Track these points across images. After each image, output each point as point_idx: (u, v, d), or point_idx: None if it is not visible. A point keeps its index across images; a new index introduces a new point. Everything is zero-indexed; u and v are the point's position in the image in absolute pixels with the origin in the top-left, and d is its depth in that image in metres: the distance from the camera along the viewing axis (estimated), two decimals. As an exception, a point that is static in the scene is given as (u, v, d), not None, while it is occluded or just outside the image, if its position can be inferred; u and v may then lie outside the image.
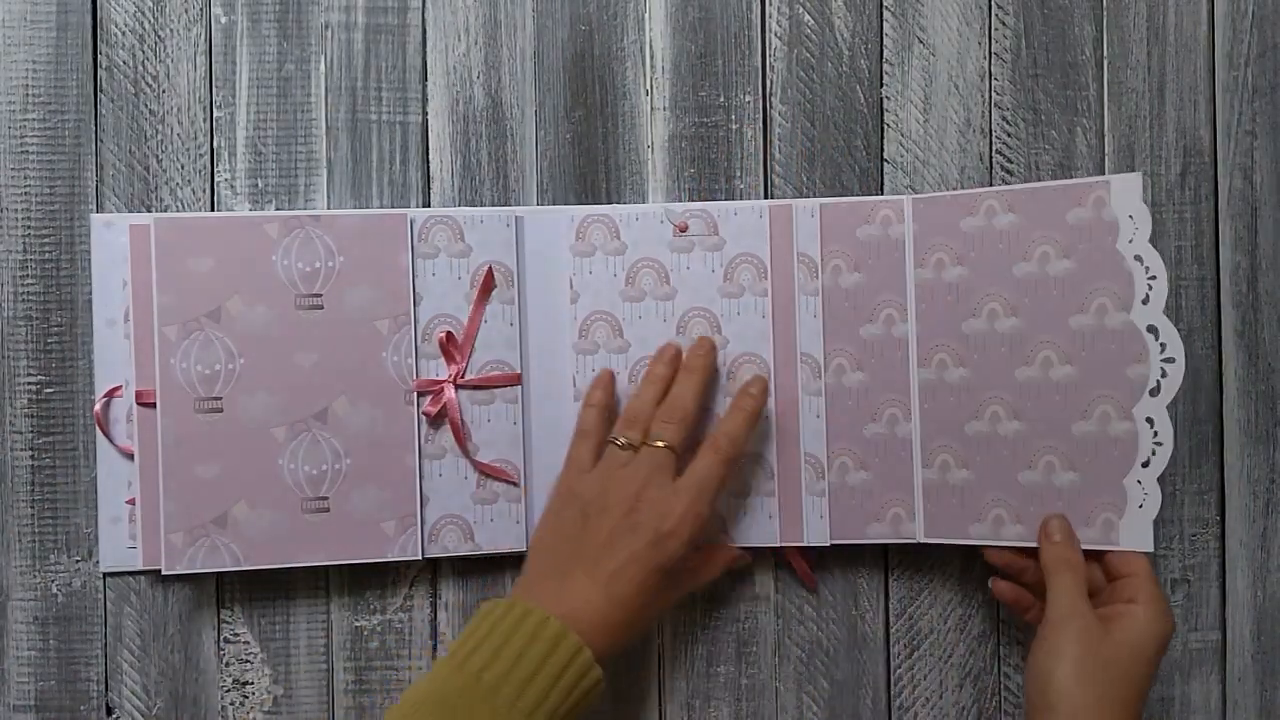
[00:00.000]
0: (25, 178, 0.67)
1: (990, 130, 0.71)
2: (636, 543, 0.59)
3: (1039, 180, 0.71)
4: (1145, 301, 0.62)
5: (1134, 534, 0.62)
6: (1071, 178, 0.71)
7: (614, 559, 0.59)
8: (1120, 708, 0.56)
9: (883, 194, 0.70)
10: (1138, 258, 0.62)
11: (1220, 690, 0.71)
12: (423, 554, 0.65)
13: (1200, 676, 0.71)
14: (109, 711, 0.67)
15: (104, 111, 0.67)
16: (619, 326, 0.67)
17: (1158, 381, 0.62)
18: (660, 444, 0.61)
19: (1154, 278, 0.62)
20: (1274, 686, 0.71)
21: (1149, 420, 0.62)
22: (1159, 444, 0.62)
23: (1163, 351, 0.62)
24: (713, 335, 0.67)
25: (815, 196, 0.69)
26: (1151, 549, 0.62)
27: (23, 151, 0.67)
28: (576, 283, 0.67)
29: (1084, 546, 0.63)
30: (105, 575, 0.67)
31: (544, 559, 0.61)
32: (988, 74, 0.71)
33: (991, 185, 0.70)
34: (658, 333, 0.67)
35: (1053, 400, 0.64)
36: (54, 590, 0.67)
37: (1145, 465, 0.62)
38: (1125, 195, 0.63)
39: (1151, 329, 0.62)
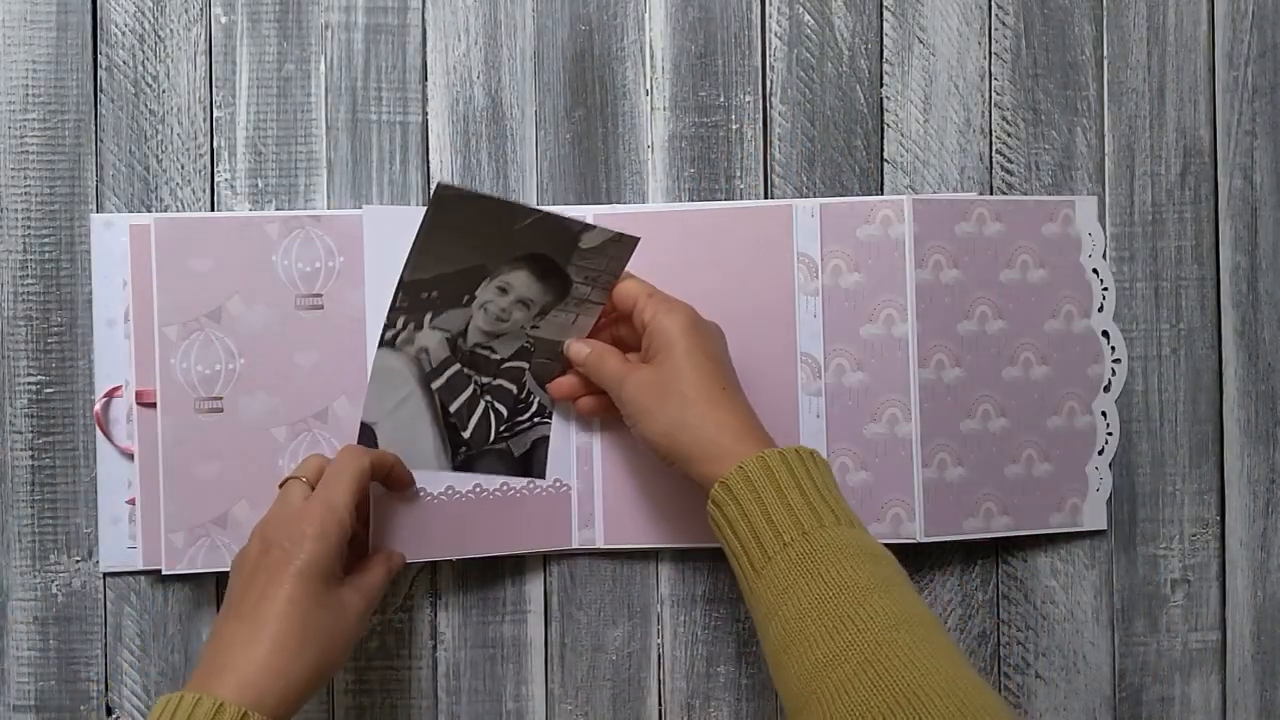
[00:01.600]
0: (25, 178, 0.67)
1: (990, 130, 0.71)
2: (270, 560, 0.55)
3: (1038, 181, 0.71)
4: (1100, 310, 0.70)
5: (1094, 515, 0.70)
6: (1071, 178, 0.71)
7: (254, 588, 0.54)
8: (706, 397, 0.58)
9: (883, 194, 0.70)
10: (1095, 271, 0.70)
11: (1220, 690, 0.71)
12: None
13: (1200, 676, 0.71)
14: (109, 711, 0.67)
15: (104, 111, 0.67)
16: None
17: (1109, 380, 0.70)
18: (293, 476, 0.60)
19: (1106, 289, 0.70)
20: (1274, 686, 0.71)
21: (1104, 414, 0.70)
22: (1110, 434, 0.70)
23: (1113, 353, 0.70)
24: None
25: (815, 196, 0.69)
26: (1105, 528, 0.70)
27: (23, 151, 0.67)
28: None
29: (1055, 529, 0.69)
30: (105, 575, 0.67)
31: (213, 628, 0.56)
32: (988, 74, 0.71)
33: (991, 185, 0.71)
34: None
35: (1032, 398, 0.69)
36: (54, 590, 0.67)
37: (1100, 453, 0.70)
38: (1085, 215, 0.70)
39: (1105, 333, 0.70)
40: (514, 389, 0.66)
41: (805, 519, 0.53)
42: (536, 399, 0.66)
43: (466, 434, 0.65)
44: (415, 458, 0.64)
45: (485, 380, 0.65)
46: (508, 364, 0.65)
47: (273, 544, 0.55)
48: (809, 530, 0.53)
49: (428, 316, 0.63)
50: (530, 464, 0.66)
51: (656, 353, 0.60)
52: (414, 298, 0.62)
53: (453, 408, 0.64)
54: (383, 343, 0.62)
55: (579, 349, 0.64)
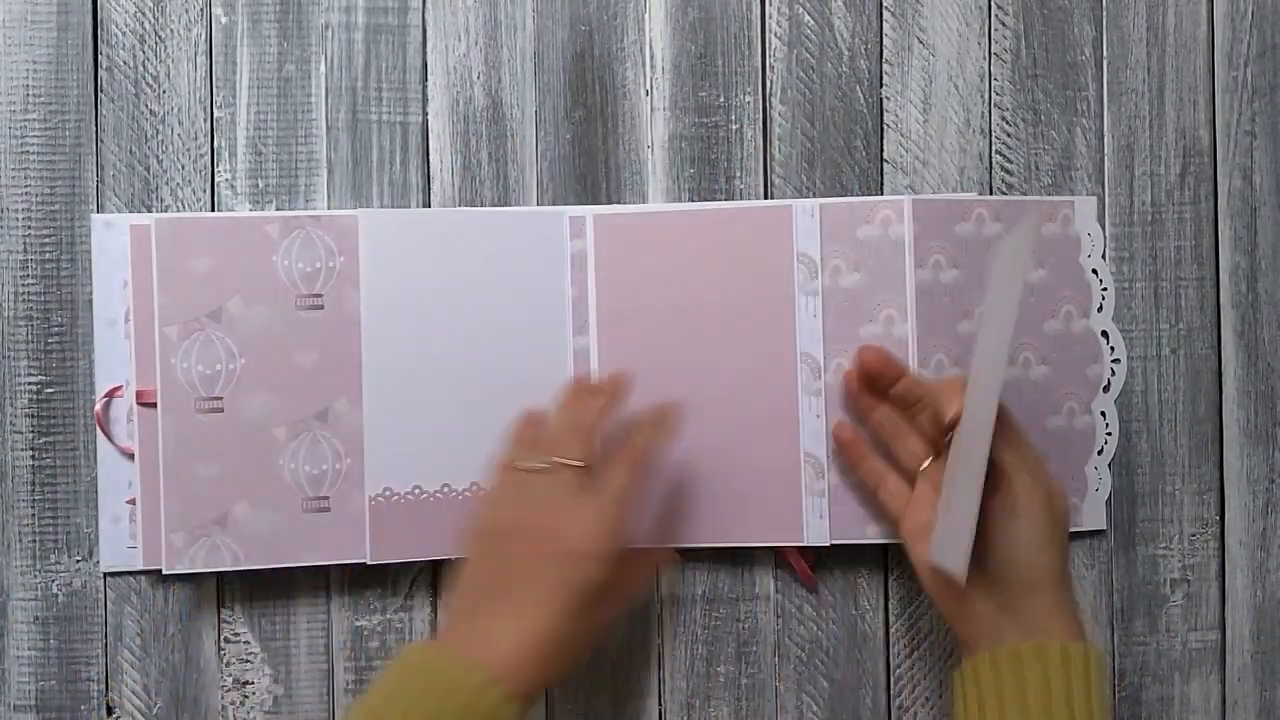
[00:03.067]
0: (25, 178, 0.67)
1: (990, 130, 0.71)
2: (554, 567, 0.54)
3: (1038, 181, 0.71)
4: (1100, 310, 0.70)
5: (1093, 515, 0.70)
6: (1071, 178, 0.71)
7: (533, 588, 0.54)
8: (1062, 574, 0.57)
9: (882, 194, 0.70)
10: (1094, 271, 0.70)
11: (1220, 690, 0.71)
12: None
13: (1200, 676, 0.71)
14: (109, 711, 0.67)
15: (104, 111, 0.67)
16: None
17: (1109, 380, 0.70)
18: (571, 461, 0.57)
19: (1105, 289, 0.70)
20: (1274, 686, 0.71)
21: (1103, 414, 0.70)
22: (1109, 434, 0.70)
23: (1112, 353, 0.70)
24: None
25: (815, 196, 0.70)
26: (1104, 528, 0.70)
27: (23, 151, 0.67)
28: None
29: None
30: (105, 575, 0.67)
31: (463, 600, 0.56)
32: (988, 74, 0.71)
33: (991, 185, 0.71)
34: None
35: (1032, 398, 0.68)
36: (54, 590, 0.67)
37: (1099, 454, 0.70)
38: (1085, 215, 0.70)
39: (1104, 333, 0.70)
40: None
41: None
42: None
43: None
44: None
45: None
46: None
47: (544, 538, 0.55)
48: None
49: None
50: None
51: (1014, 495, 0.57)
52: None
53: None
54: None
55: (898, 497, 0.63)
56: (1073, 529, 0.69)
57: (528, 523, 0.56)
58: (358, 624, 0.68)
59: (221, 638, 0.67)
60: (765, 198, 0.70)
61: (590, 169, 0.69)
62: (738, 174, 0.70)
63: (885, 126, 0.71)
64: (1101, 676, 0.55)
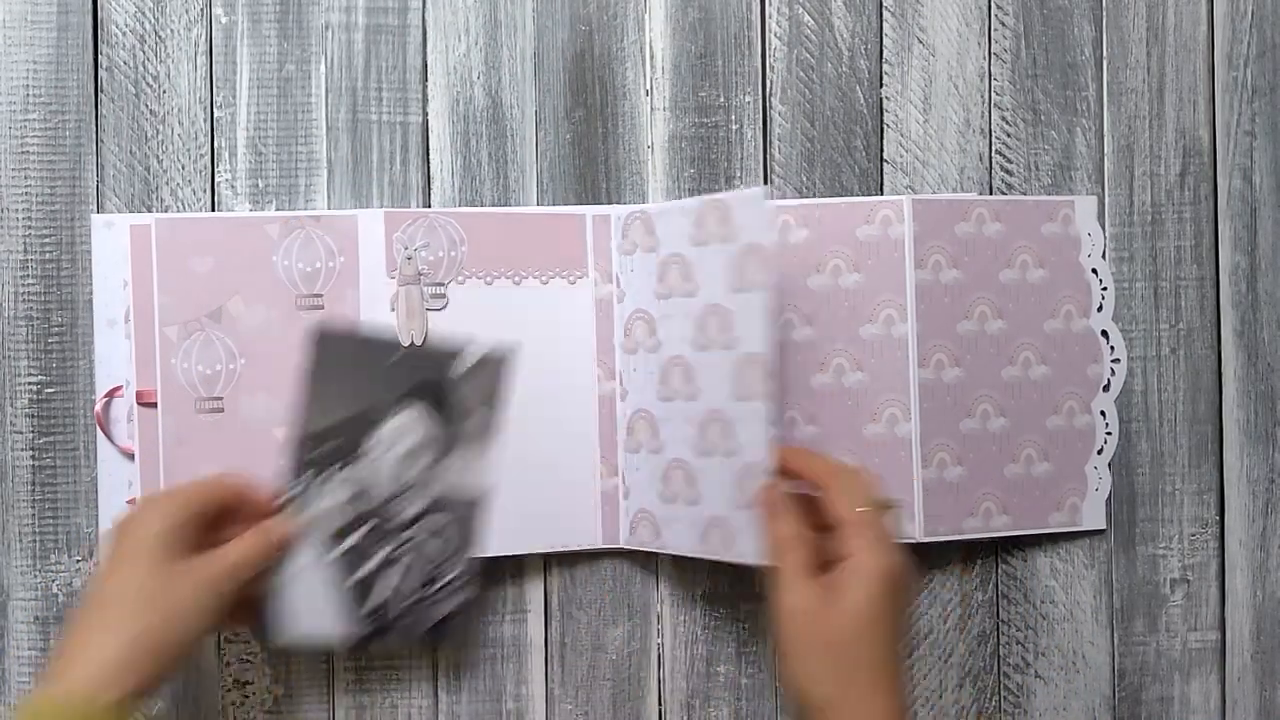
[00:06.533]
0: (25, 178, 0.67)
1: (990, 130, 0.71)
2: (111, 543, 0.56)
3: (1038, 181, 0.71)
4: (1100, 309, 0.70)
5: (1093, 515, 0.70)
6: (1071, 178, 0.71)
7: (100, 572, 0.56)
8: (872, 674, 0.54)
9: (882, 194, 0.70)
10: (1094, 270, 0.70)
11: (1220, 690, 0.71)
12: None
13: (1200, 676, 0.71)
14: (109, 711, 0.67)
15: (104, 111, 0.67)
16: (653, 324, 0.66)
17: (1108, 379, 0.70)
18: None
19: (1105, 289, 0.70)
20: (1274, 686, 0.71)
21: (1103, 413, 0.70)
22: (1109, 434, 0.70)
23: (1112, 353, 0.70)
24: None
25: (815, 196, 0.70)
26: (1104, 527, 0.70)
27: (23, 151, 0.67)
28: (622, 281, 0.67)
29: (1055, 529, 0.69)
30: (105, 575, 0.67)
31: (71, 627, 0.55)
32: (987, 74, 0.71)
33: (991, 185, 0.71)
34: (679, 331, 0.65)
35: (1032, 398, 0.69)
36: (54, 590, 0.67)
37: (1099, 453, 0.70)
38: (1085, 215, 0.70)
39: (1104, 333, 0.70)
40: (430, 551, 0.62)
41: None
42: (456, 565, 0.62)
43: (369, 605, 0.61)
44: (313, 630, 0.61)
45: (395, 544, 0.61)
46: (420, 520, 0.62)
47: (115, 528, 0.57)
48: None
49: (325, 474, 0.61)
50: (442, 635, 0.63)
51: (843, 586, 0.55)
52: (303, 456, 0.61)
53: (358, 575, 0.61)
54: (280, 506, 0.60)
55: (780, 530, 0.57)
56: (1073, 529, 0.70)
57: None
58: (358, 624, 0.68)
59: (222, 638, 0.67)
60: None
61: (590, 169, 0.69)
62: (738, 174, 0.70)
63: (885, 126, 0.71)
64: None
